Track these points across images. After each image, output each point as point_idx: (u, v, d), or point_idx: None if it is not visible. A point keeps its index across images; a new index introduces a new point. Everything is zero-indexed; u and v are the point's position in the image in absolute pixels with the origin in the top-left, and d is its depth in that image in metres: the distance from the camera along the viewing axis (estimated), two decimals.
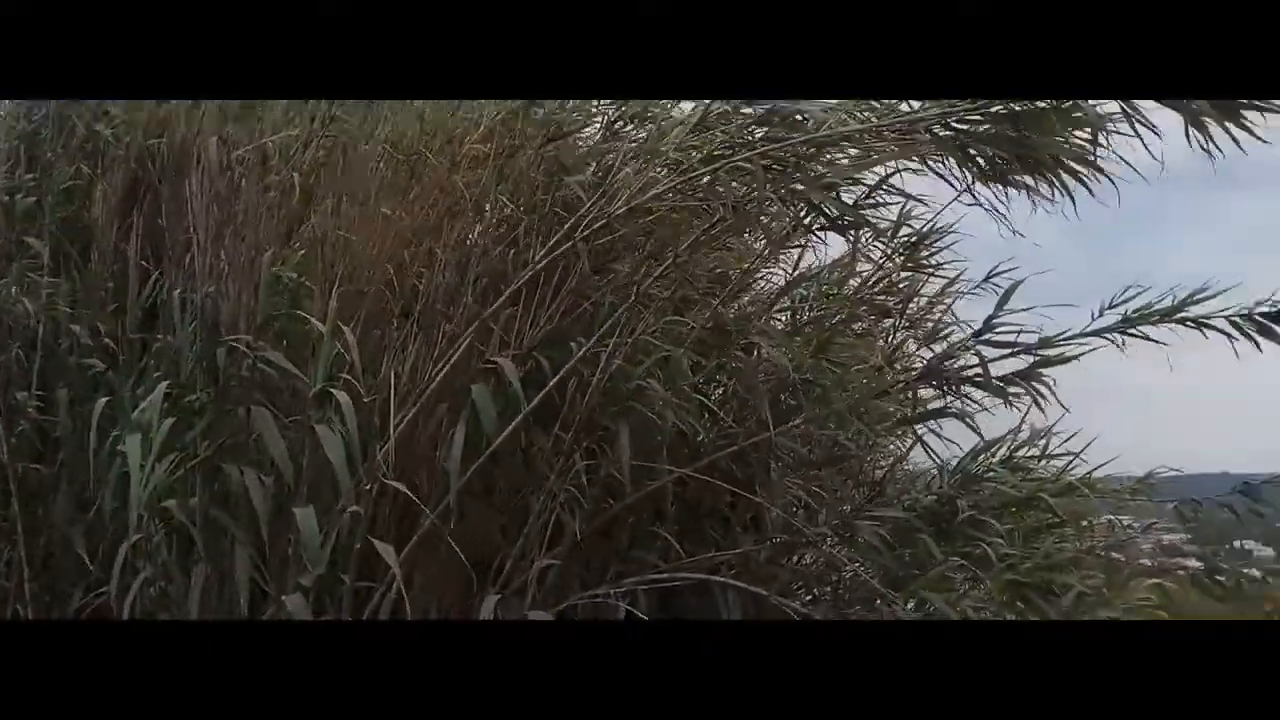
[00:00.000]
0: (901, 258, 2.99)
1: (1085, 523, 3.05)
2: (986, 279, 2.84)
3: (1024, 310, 2.50)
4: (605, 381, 2.12)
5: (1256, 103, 1.74)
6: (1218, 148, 1.86)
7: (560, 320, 2.21)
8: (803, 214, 2.38)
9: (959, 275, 2.95)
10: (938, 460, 2.89)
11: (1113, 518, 3.15)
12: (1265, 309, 2.31)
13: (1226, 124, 1.76)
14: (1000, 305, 2.52)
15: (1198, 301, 2.37)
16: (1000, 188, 2.23)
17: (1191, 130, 1.80)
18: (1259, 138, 1.78)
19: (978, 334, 2.49)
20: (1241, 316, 2.33)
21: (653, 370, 2.18)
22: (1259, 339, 2.31)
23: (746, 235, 2.67)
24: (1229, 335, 2.32)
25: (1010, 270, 2.72)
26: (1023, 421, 3.04)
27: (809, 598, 2.40)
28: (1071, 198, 2.15)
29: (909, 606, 2.43)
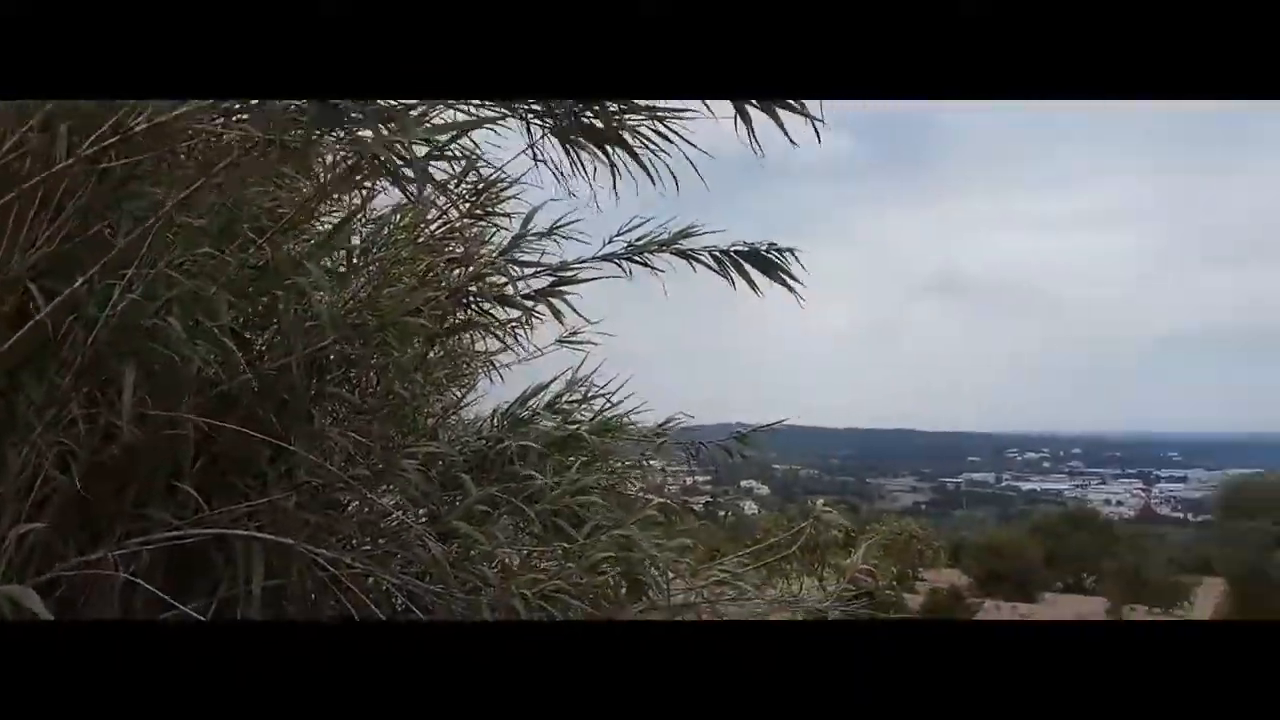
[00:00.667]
0: (468, 204, 3.05)
1: (617, 462, 3.40)
2: (550, 230, 3.04)
3: (546, 235, 2.86)
4: (115, 319, 1.88)
5: (792, 102, 1.99)
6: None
7: (61, 244, 1.91)
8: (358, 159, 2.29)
9: (534, 230, 3.11)
10: (485, 392, 3.11)
11: (642, 459, 3.54)
12: (739, 248, 2.87)
13: (768, 118, 1.99)
14: (523, 225, 2.86)
15: (688, 237, 2.87)
16: (572, 149, 2.35)
17: (740, 122, 2.00)
18: (790, 138, 2.03)
19: (503, 252, 2.77)
20: (721, 251, 2.86)
21: (176, 309, 1.98)
22: (734, 276, 2.87)
23: (304, 175, 2.52)
24: (711, 268, 2.87)
25: (573, 223, 2.97)
26: (575, 373, 3.33)
27: (343, 544, 2.37)
28: (633, 176, 2.30)
29: (451, 545, 2.51)
